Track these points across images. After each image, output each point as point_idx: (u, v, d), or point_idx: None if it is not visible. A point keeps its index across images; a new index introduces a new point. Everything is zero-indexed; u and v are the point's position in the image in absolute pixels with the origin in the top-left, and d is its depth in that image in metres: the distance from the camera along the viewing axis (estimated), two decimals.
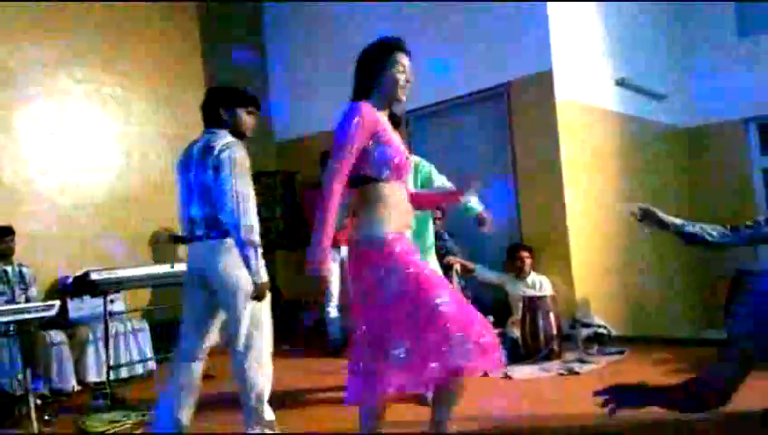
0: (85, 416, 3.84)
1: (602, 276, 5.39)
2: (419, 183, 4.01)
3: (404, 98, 2.44)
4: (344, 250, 5.35)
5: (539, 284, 4.92)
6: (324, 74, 6.89)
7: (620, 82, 5.96)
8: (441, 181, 3.97)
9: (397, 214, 2.28)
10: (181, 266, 4.87)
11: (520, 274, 4.95)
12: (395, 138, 2.37)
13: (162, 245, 6.09)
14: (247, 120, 3.03)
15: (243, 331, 2.78)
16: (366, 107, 2.30)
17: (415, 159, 3.90)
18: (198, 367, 2.90)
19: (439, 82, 5.86)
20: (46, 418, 3.78)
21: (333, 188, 2.17)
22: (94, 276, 4.32)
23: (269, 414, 2.83)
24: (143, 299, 5.53)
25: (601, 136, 5.72)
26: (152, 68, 6.28)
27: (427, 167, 3.98)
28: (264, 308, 2.85)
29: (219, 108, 2.96)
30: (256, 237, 2.72)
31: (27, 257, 4.80)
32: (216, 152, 2.77)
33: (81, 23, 5.75)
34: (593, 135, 5.59)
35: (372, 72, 2.40)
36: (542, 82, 5.21)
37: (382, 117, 2.37)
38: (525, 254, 4.95)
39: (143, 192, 6.04)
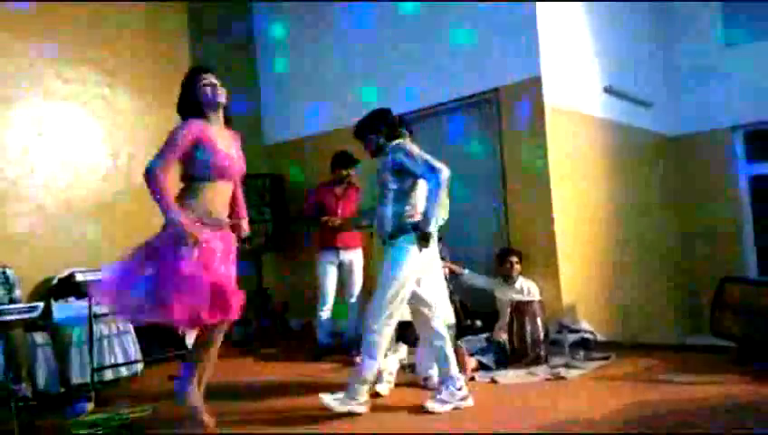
0: (69, 418, 3.80)
1: (589, 282, 5.42)
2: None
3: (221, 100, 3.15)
4: (342, 253, 5.32)
5: (526, 289, 4.93)
6: (314, 77, 6.89)
7: (608, 90, 6.01)
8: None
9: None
10: None
11: (508, 279, 4.95)
12: (221, 142, 3.07)
13: None
14: None
15: None
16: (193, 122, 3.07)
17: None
18: None
19: (429, 88, 5.88)
20: (28, 420, 3.73)
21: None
22: (79, 278, 4.30)
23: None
24: None
25: (589, 142, 5.76)
26: (140, 68, 6.24)
27: None
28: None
29: None
30: None
31: (12, 259, 4.75)
32: None
33: (68, 22, 5.71)
34: (581, 141, 5.62)
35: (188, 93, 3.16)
36: (531, 88, 5.23)
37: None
38: (514, 259, 4.96)
39: (130, 193, 5.99)
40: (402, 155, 3.53)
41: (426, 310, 3.65)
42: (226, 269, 3.10)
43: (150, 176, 2.89)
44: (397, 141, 3.65)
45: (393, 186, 3.57)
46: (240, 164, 3.18)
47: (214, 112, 3.12)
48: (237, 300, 3.07)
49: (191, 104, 3.10)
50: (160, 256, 2.90)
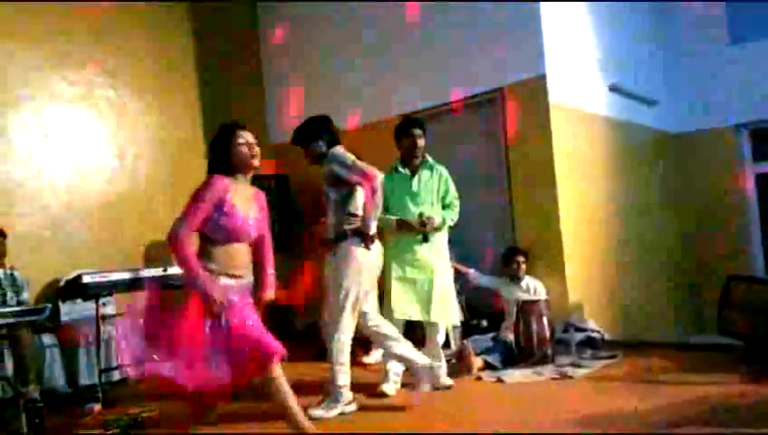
0: (77, 419, 3.82)
1: (595, 281, 5.41)
2: (441, 191, 4.15)
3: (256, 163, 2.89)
4: None
5: (533, 288, 4.92)
6: (320, 76, 6.89)
7: (613, 88, 6.00)
8: (451, 191, 4.21)
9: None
10: (174, 270, 4.86)
11: (514, 278, 4.95)
12: (241, 206, 2.79)
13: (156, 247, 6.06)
14: None
15: None
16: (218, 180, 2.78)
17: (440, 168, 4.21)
18: None
19: (432, 87, 5.88)
20: (36, 421, 3.75)
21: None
22: (86, 279, 4.30)
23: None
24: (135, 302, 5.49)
25: (594, 141, 5.75)
26: (145, 70, 6.26)
27: (445, 175, 4.21)
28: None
29: None
30: None
31: (19, 260, 4.77)
32: None
33: (73, 24, 5.72)
34: (586, 140, 5.61)
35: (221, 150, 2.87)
36: (536, 86, 5.23)
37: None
38: (521, 258, 4.95)
39: (135, 194, 6.02)
40: (336, 165, 3.56)
41: (359, 317, 3.68)
42: (250, 320, 2.81)
43: (175, 242, 2.69)
44: (332, 150, 3.65)
45: (332, 195, 3.61)
46: (258, 227, 2.90)
47: (244, 174, 2.88)
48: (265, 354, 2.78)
49: (222, 163, 2.84)
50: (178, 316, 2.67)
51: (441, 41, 5.86)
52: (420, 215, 3.95)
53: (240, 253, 2.83)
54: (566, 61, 5.46)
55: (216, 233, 2.75)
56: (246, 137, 2.86)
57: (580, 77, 5.66)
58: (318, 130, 3.69)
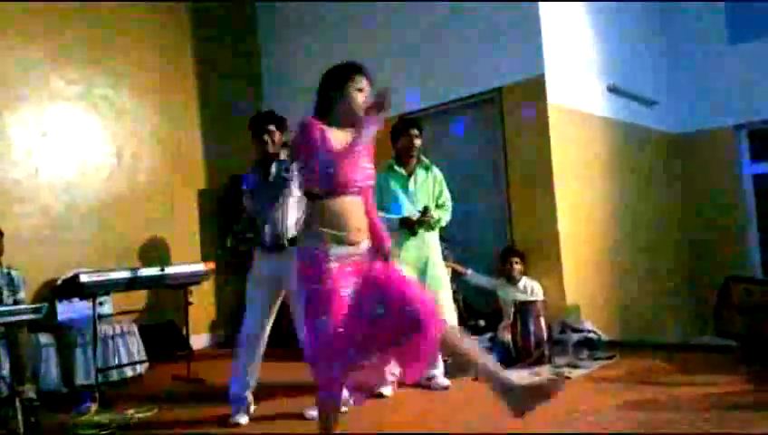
0: (73, 419, 3.82)
1: (593, 281, 5.41)
2: (435, 192, 4.15)
3: (361, 113, 2.49)
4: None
5: (530, 288, 4.92)
6: (317, 76, 6.87)
7: (611, 88, 5.99)
8: (444, 192, 4.19)
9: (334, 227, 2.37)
10: (171, 269, 4.86)
11: (511, 278, 4.95)
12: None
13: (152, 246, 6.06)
14: None
15: None
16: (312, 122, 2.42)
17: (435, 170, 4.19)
18: None
19: (431, 88, 5.87)
20: (33, 420, 3.74)
21: None
22: (83, 279, 4.29)
23: None
24: (133, 301, 5.49)
25: (592, 141, 5.74)
26: (143, 68, 6.26)
27: (440, 176, 4.20)
28: None
29: None
30: None
31: (16, 259, 4.77)
32: None
33: (72, 23, 5.73)
34: (584, 140, 5.61)
35: (331, 92, 2.56)
36: (534, 87, 5.22)
37: (333, 132, 2.43)
38: (515, 259, 4.95)
39: (134, 193, 6.02)
40: None
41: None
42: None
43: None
44: None
45: (296, 192, 3.54)
46: (368, 175, 2.49)
47: (344, 125, 2.50)
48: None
49: (324, 106, 2.55)
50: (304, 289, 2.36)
51: (439, 41, 5.85)
52: (426, 208, 3.94)
53: (353, 209, 2.41)
54: (565, 61, 5.45)
55: (322, 181, 2.36)
56: (363, 84, 2.54)
57: (578, 77, 5.65)
58: (284, 121, 3.69)
